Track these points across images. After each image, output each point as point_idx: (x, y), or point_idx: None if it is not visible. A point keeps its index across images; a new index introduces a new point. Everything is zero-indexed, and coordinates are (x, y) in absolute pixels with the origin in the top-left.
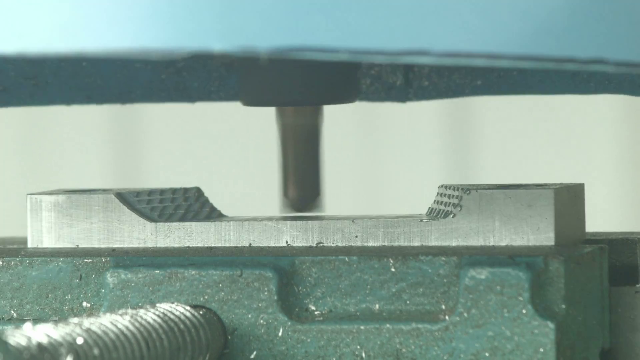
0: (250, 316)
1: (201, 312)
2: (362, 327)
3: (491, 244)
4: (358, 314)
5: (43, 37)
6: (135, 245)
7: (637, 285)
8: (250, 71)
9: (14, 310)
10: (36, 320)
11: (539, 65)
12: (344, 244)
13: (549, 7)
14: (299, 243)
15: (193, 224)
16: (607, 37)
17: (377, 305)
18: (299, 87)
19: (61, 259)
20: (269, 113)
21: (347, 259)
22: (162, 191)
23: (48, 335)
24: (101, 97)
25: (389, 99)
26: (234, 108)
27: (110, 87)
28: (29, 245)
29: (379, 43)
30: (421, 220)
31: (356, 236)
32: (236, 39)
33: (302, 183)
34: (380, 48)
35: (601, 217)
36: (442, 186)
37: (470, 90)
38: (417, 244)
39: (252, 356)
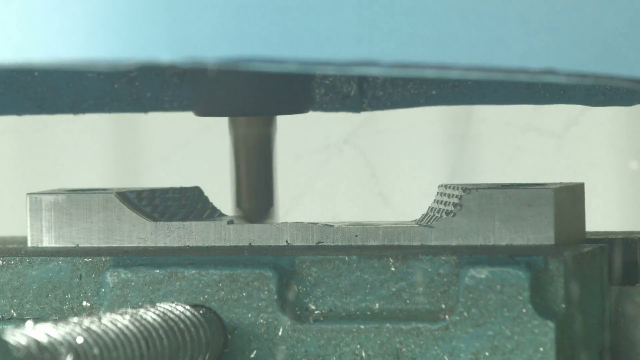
0: (250, 315)
1: (201, 312)
2: (362, 327)
3: (491, 243)
4: (358, 313)
5: None
6: (135, 244)
7: (637, 285)
8: (201, 81)
9: (13, 310)
10: (36, 320)
11: (489, 76)
12: (343, 244)
13: (499, 18)
14: (299, 242)
15: (193, 223)
16: (558, 47)
17: (377, 305)
18: (251, 97)
19: (61, 258)
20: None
21: (347, 258)
22: (162, 191)
23: (48, 335)
24: (53, 107)
25: (343, 109)
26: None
27: (62, 97)
28: (29, 244)
29: (328, 54)
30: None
31: (356, 235)
32: (184, 49)
33: (256, 194)
34: (329, 59)
35: (601, 217)
36: (442, 185)
37: (425, 100)
38: (417, 243)
39: (252, 355)
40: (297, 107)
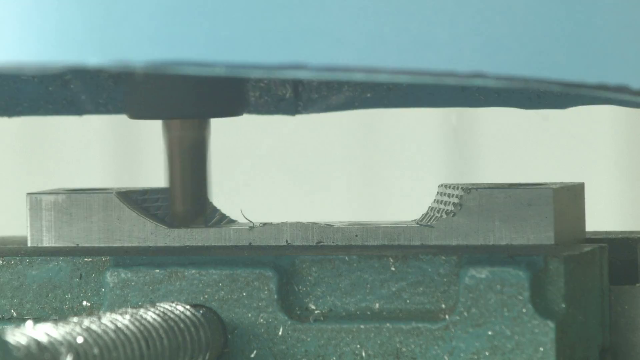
0: (250, 315)
1: (201, 311)
2: (362, 326)
3: (491, 243)
4: (358, 313)
5: None
6: (135, 244)
7: (637, 285)
8: (135, 84)
9: (14, 310)
10: (36, 320)
11: (418, 79)
12: (343, 243)
13: (427, 21)
14: (299, 242)
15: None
16: (487, 51)
17: (377, 305)
18: (185, 100)
19: (61, 258)
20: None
21: (347, 258)
22: (163, 190)
23: (48, 335)
24: None
25: (278, 111)
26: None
27: None
28: (29, 244)
29: (255, 57)
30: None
31: (356, 235)
32: (112, 52)
33: (190, 197)
34: (257, 62)
35: (601, 217)
36: (442, 185)
37: (360, 103)
38: (417, 243)
39: (252, 355)
40: (232, 110)
